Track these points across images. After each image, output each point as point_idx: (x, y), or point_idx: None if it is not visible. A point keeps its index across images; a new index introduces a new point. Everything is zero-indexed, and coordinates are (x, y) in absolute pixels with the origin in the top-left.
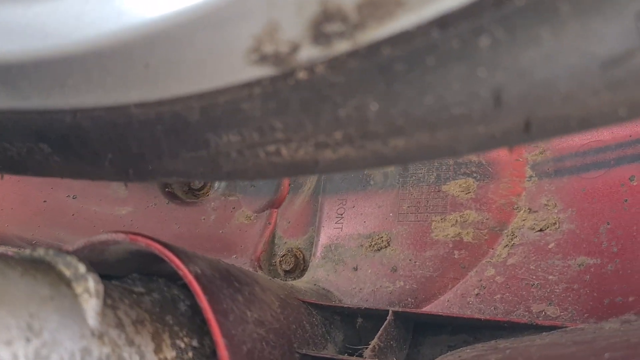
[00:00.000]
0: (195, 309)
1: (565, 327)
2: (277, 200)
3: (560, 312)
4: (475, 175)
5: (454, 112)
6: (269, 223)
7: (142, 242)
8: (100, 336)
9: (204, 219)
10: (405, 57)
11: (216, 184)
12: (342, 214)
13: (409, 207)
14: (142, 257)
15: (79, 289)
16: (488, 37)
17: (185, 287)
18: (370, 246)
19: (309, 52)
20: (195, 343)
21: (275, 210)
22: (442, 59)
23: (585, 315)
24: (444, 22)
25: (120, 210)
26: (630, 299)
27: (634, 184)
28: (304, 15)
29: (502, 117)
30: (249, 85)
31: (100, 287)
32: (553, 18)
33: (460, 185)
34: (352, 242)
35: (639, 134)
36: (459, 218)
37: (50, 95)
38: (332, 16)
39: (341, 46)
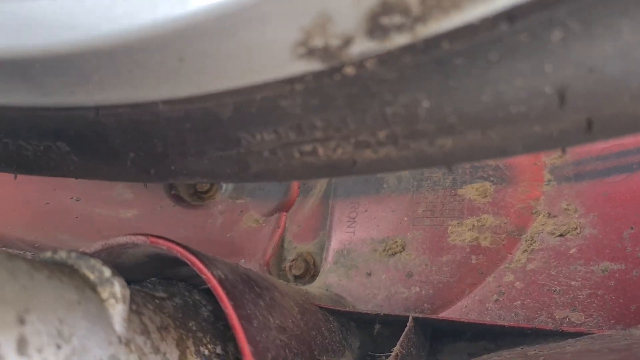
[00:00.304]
0: (217, 315)
1: (592, 333)
2: (286, 203)
3: (585, 318)
4: (492, 179)
5: (512, 110)
6: (278, 227)
7: (163, 245)
8: (127, 343)
9: (211, 223)
10: (466, 51)
11: (223, 187)
12: (354, 218)
13: (424, 211)
14: (160, 261)
15: (104, 293)
16: (561, 30)
17: (205, 292)
18: (384, 251)
19: (362, 47)
20: (219, 350)
21: (285, 213)
22: (507, 53)
23: (612, 321)
24: (513, 14)
25: (125, 213)
26: None
27: None
28: (361, 6)
29: (563, 115)
30: (290, 80)
31: (127, 292)
32: (635, 10)
33: (477, 189)
34: (365, 246)
35: None
36: (476, 222)
37: (74, 92)
38: (392, 8)
39: (399, 40)
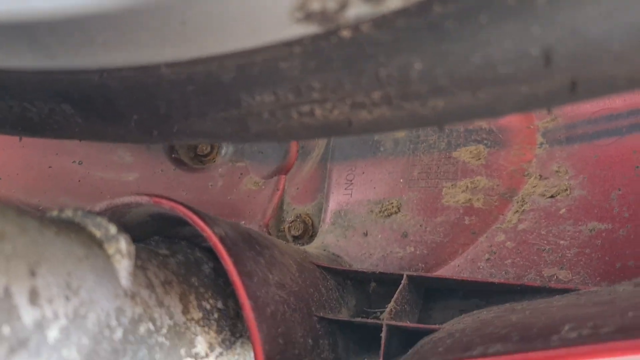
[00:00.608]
0: (218, 272)
1: (578, 290)
2: (285, 166)
3: (572, 276)
4: (486, 142)
5: (500, 71)
6: (278, 189)
7: (166, 205)
8: (133, 296)
9: (211, 185)
10: (457, 14)
11: (223, 150)
12: (351, 180)
13: (419, 173)
14: (162, 221)
15: (110, 249)
16: None
17: (207, 250)
18: (380, 212)
19: (357, 10)
20: (220, 305)
21: (284, 176)
22: (496, 16)
23: (597, 278)
24: None
25: (126, 177)
26: None
27: None
28: None
29: (549, 76)
30: (289, 43)
31: (132, 248)
32: None
33: (471, 151)
34: (361, 208)
35: None
36: (469, 184)
37: (78, 54)
38: None
39: (393, 4)
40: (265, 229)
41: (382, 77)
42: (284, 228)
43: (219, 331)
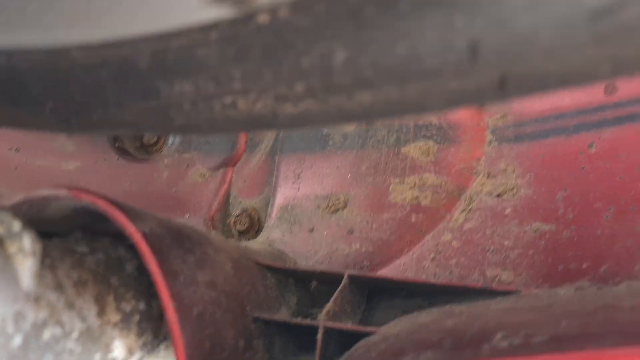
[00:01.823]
0: (143, 271)
1: (520, 292)
2: (233, 158)
3: (515, 277)
4: (435, 138)
5: (426, 64)
6: (224, 182)
7: (87, 199)
8: (37, 299)
9: (156, 177)
10: (377, 1)
11: (170, 140)
12: (299, 174)
13: (367, 168)
14: (87, 215)
15: (12, 248)
16: None
17: (132, 247)
18: (327, 207)
19: None
20: (142, 306)
21: (231, 168)
22: (417, 3)
23: (539, 281)
24: None
25: (67, 165)
26: (584, 265)
27: (592, 151)
28: None
29: (477, 71)
30: (205, 28)
31: (38, 247)
32: None
33: (420, 147)
34: (309, 203)
35: (599, 101)
36: (417, 181)
37: None
38: None
39: None
40: (210, 223)
41: (304, 67)
42: (230, 222)
43: (140, 334)
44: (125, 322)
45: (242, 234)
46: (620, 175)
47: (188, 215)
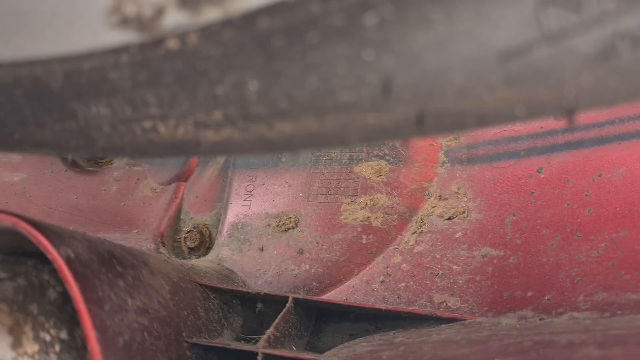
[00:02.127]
0: (67, 297)
1: (465, 320)
2: (185, 172)
3: (461, 303)
4: (388, 158)
5: (340, 98)
6: (176, 197)
7: (7, 221)
8: None
9: (104, 190)
10: (285, 31)
11: None
12: (251, 192)
13: (319, 187)
14: (11, 236)
15: None
16: (375, 15)
17: (57, 272)
18: (277, 226)
19: (175, 19)
20: (64, 335)
21: (183, 183)
22: (325, 36)
23: (485, 308)
24: None
25: (11, 177)
26: (529, 294)
27: (542, 176)
28: None
29: (392, 107)
30: (115, 51)
31: None
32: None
33: (372, 167)
34: (259, 221)
35: (549, 125)
36: (369, 201)
37: None
38: None
39: (211, 14)
40: (159, 239)
41: (219, 95)
42: (181, 238)
43: None
44: (43, 352)
45: (193, 250)
46: (568, 201)
47: (136, 230)
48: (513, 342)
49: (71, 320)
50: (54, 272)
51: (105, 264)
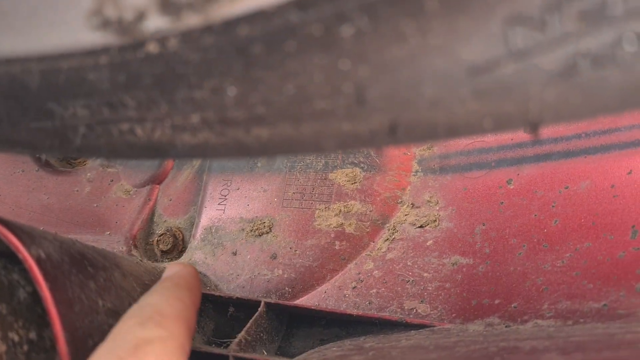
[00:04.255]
0: (37, 297)
1: (433, 326)
2: (159, 175)
3: (431, 310)
4: (362, 165)
5: (316, 106)
6: (149, 199)
7: None
8: None
9: (77, 191)
10: (263, 39)
11: None
12: (225, 196)
13: (294, 193)
14: None
15: None
16: (351, 26)
17: (27, 272)
18: (251, 231)
19: (156, 23)
20: (33, 335)
21: (157, 186)
22: (303, 45)
23: (453, 315)
24: (304, 3)
25: None
26: (497, 301)
27: (511, 187)
28: None
29: (366, 116)
30: (94, 52)
31: None
32: (418, 12)
33: (347, 174)
34: (233, 225)
35: (520, 138)
36: (343, 208)
37: None
38: None
39: (192, 20)
40: (132, 242)
41: (197, 100)
42: (153, 241)
43: None
44: (11, 352)
45: (165, 254)
46: (536, 212)
47: (108, 232)
48: (479, 347)
49: (40, 321)
50: (24, 272)
51: (77, 265)
